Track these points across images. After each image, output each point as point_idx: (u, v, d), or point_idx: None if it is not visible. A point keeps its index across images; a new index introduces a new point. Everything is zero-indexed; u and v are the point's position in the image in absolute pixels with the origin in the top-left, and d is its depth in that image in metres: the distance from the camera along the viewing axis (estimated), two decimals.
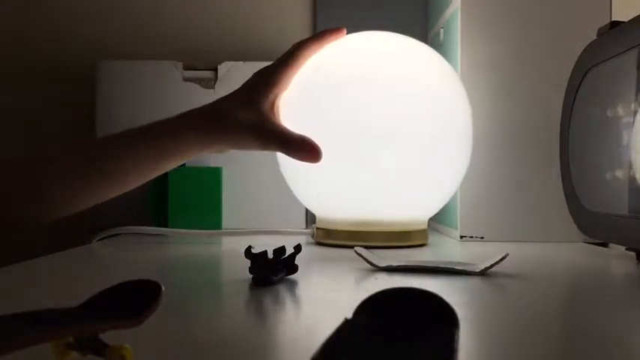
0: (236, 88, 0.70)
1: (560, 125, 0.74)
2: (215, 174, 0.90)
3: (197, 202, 0.89)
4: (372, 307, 0.30)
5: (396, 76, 0.74)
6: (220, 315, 0.43)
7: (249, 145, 0.68)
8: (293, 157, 0.68)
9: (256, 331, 0.39)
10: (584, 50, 0.71)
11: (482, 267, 0.55)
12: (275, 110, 0.69)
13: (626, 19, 0.65)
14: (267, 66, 0.70)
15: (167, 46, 1.12)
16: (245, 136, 0.67)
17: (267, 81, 0.68)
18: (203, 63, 0.98)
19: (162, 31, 1.12)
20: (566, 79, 0.73)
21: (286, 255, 0.52)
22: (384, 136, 0.72)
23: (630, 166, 0.60)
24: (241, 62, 0.96)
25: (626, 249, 0.66)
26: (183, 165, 0.90)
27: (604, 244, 0.79)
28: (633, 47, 0.60)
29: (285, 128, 0.68)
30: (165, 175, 0.88)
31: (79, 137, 1.06)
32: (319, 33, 0.73)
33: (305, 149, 0.68)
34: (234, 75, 0.95)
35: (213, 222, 0.89)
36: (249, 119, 0.66)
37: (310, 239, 0.81)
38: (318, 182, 0.76)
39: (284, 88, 0.70)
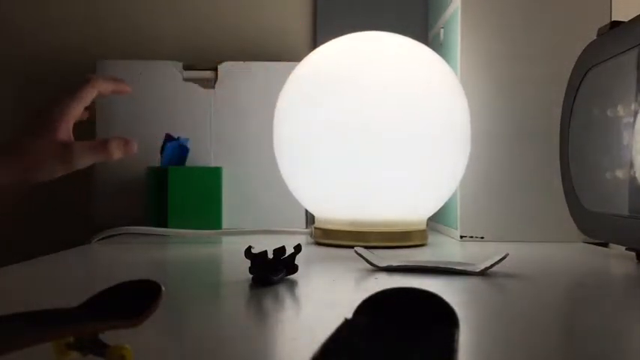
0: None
1: (560, 125, 0.74)
2: (215, 174, 0.90)
3: (197, 202, 0.89)
4: (372, 307, 0.30)
5: (395, 76, 0.74)
6: (220, 315, 0.43)
7: (60, 174, 0.71)
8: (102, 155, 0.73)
9: (256, 331, 0.39)
10: (584, 50, 0.71)
11: (482, 267, 0.55)
12: (70, 134, 0.72)
13: (626, 19, 0.65)
14: (61, 100, 0.73)
15: (167, 46, 1.12)
16: (54, 171, 0.70)
17: (64, 116, 0.72)
18: (203, 63, 0.98)
19: (162, 31, 1.12)
20: (566, 79, 0.73)
21: (286, 255, 0.52)
22: (382, 136, 0.72)
23: (630, 166, 0.60)
24: (241, 62, 0.96)
25: (626, 249, 0.66)
26: (183, 165, 0.90)
27: (604, 244, 0.79)
28: (633, 47, 0.60)
29: (91, 144, 0.72)
30: (165, 175, 0.88)
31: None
32: (105, 78, 0.78)
33: (124, 147, 0.74)
34: (234, 75, 0.95)
35: (213, 222, 0.89)
36: (56, 155, 0.69)
37: (309, 239, 0.81)
38: (317, 182, 0.76)
39: (75, 118, 0.74)
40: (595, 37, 0.70)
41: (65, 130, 0.72)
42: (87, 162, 0.72)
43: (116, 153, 0.73)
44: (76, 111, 0.74)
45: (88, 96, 0.75)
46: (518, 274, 0.56)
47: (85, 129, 1.00)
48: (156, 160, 0.92)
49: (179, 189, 0.88)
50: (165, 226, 0.87)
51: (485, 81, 0.83)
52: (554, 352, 0.35)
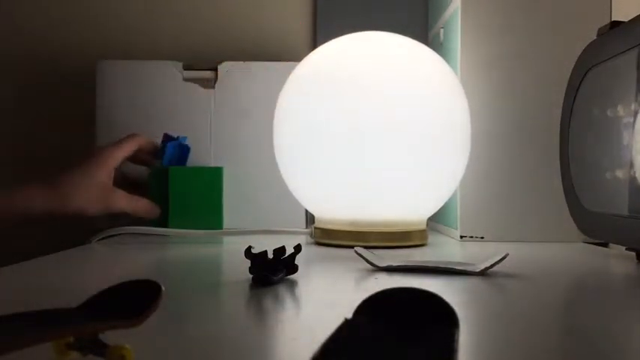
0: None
1: (560, 125, 0.74)
2: (215, 174, 0.90)
3: (197, 202, 0.89)
4: (372, 307, 0.30)
5: (395, 76, 0.74)
6: (220, 315, 0.43)
7: (94, 213, 0.82)
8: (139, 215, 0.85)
9: (256, 331, 0.39)
10: (584, 50, 0.71)
11: (482, 267, 0.55)
12: (110, 178, 0.84)
13: (626, 19, 0.65)
14: (107, 147, 0.85)
15: (167, 46, 1.12)
16: (90, 208, 0.82)
17: (107, 159, 0.83)
18: (203, 63, 0.98)
19: (162, 31, 1.12)
20: (566, 79, 0.73)
21: (286, 255, 0.52)
22: (382, 136, 0.72)
23: (630, 166, 0.60)
24: (241, 62, 0.96)
25: (626, 249, 0.66)
26: (184, 164, 0.90)
27: (604, 244, 0.79)
28: (633, 47, 0.60)
29: (127, 195, 0.84)
30: (166, 175, 0.88)
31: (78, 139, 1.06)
32: (146, 138, 0.89)
33: (151, 210, 0.86)
34: (234, 75, 0.95)
35: (213, 222, 0.89)
36: (94, 194, 0.82)
37: (309, 239, 0.81)
38: (317, 182, 0.76)
39: (117, 164, 0.85)
40: (595, 37, 0.70)
41: (106, 174, 0.82)
42: (120, 208, 0.83)
43: (141, 212, 0.85)
44: (118, 159, 0.84)
45: (130, 147, 0.85)
46: (518, 274, 0.56)
47: (86, 129, 1.01)
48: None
49: (180, 189, 0.88)
50: (165, 226, 0.87)
51: (486, 81, 0.83)
52: (554, 352, 0.35)
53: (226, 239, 0.84)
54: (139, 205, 0.85)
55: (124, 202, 0.83)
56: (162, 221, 0.88)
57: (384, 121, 0.72)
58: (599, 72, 0.67)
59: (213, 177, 0.90)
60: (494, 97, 0.83)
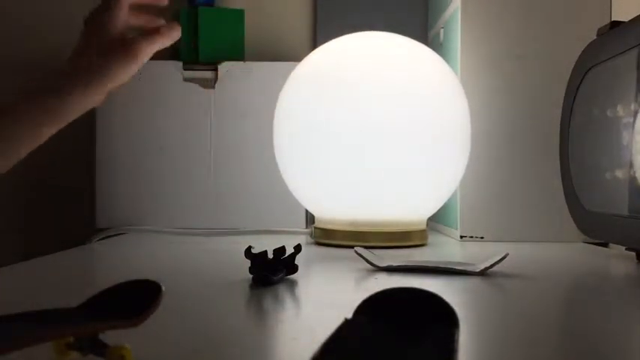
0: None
1: (560, 125, 0.74)
2: (238, 14, 0.99)
3: (223, 37, 0.97)
4: (372, 307, 0.30)
5: (395, 76, 0.74)
6: (220, 315, 0.43)
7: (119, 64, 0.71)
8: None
9: (256, 331, 0.39)
10: (584, 50, 0.71)
11: (482, 267, 0.55)
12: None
13: (626, 19, 0.65)
14: (96, 11, 0.76)
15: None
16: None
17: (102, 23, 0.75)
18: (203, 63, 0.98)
19: None
20: (566, 79, 0.73)
21: (286, 255, 0.52)
22: (382, 136, 0.72)
23: (630, 166, 0.60)
24: (241, 62, 0.96)
25: (626, 249, 0.66)
26: (212, 4, 0.99)
27: (604, 244, 0.79)
28: (633, 47, 0.60)
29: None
30: (195, 14, 0.96)
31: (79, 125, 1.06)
32: None
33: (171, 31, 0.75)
34: (234, 75, 0.95)
35: (236, 52, 0.98)
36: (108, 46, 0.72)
37: (309, 239, 0.81)
38: (317, 182, 0.76)
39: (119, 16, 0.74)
40: (595, 37, 0.70)
41: (121, 23, 0.73)
42: (150, 53, 0.73)
43: (167, 40, 0.75)
44: (120, 14, 0.74)
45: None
46: (518, 274, 0.56)
47: (84, 128, 1.01)
48: (159, 160, 0.92)
49: (208, 26, 0.97)
50: (197, 58, 0.95)
51: (485, 81, 0.83)
52: (554, 352, 0.35)
53: (226, 239, 0.84)
54: (163, 35, 0.75)
55: (149, 44, 0.73)
56: (193, 54, 0.96)
57: (384, 121, 0.72)
58: (599, 72, 0.67)
59: (236, 17, 0.99)
60: (494, 97, 0.83)
